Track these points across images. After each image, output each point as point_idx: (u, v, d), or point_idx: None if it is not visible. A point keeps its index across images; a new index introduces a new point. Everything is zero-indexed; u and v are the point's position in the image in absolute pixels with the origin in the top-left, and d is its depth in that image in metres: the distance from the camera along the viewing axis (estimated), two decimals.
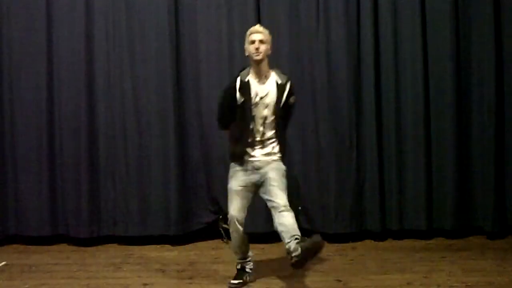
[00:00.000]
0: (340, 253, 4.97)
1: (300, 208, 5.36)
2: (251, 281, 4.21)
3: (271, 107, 4.00)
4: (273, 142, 4.05)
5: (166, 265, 4.71)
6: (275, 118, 4.02)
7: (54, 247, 5.33)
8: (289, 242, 3.76)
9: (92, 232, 5.33)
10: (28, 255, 5.12)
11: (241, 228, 4.04)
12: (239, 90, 3.97)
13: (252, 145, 4.01)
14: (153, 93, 5.35)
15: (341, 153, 5.28)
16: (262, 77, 4.00)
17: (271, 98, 4.00)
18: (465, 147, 5.28)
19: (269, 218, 5.27)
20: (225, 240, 5.34)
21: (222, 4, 5.34)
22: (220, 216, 5.37)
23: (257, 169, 4.01)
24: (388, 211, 5.30)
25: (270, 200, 3.96)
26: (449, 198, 5.24)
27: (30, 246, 5.33)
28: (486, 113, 5.22)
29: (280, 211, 3.89)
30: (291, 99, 4.08)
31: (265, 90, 4.00)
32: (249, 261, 4.24)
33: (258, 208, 5.28)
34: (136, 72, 5.36)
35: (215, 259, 4.86)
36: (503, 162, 5.23)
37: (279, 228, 3.87)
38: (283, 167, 4.07)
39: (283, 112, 4.07)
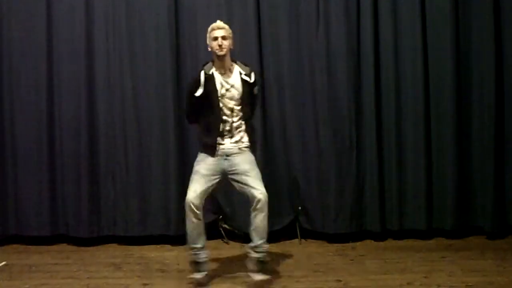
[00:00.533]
0: (340, 253, 4.97)
1: (300, 208, 5.37)
2: (208, 270, 4.22)
3: (237, 98, 4.12)
4: (241, 131, 4.16)
5: (166, 265, 4.71)
6: (241, 109, 4.14)
7: (54, 247, 5.33)
8: (252, 255, 4.14)
9: (92, 232, 5.33)
10: (28, 255, 5.12)
11: (198, 212, 4.06)
12: (205, 83, 4.07)
13: (222, 135, 4.12)
14: (153, 93, 5.35)
15: (341, 153, 5.28)
16: (226, 71, 4.12)
17: (237, 89, 4.12)
18: (465, 147, 5.29)
19: (269, 218, 5.28)
20: (225, 240, 5.35)
21: (222, 4, 5.34)
22: (220, 216, 5.38)
23: (227, 155, 4.12)
24: (388, 211, 5.30)
25: (250, 192, 4.08)
26: (449, 198, 5.24)
27: (30, 246, 5.33)
28: (486, 113, 5.22)
29: (256, 209, 4.07)
30: (255, 89, 4.22)
31: (230, 82, 4.12)
32: (202, 251, 4.18)
33: None
34: (136, 72, 5.36)
35: (215, 259, 4.85)
36: (503, 162, 5.23)
37: (250, 229, 4.14)
38: (252, 156, 4.20)
39: (249, 102, 4.20)
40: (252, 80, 4.18)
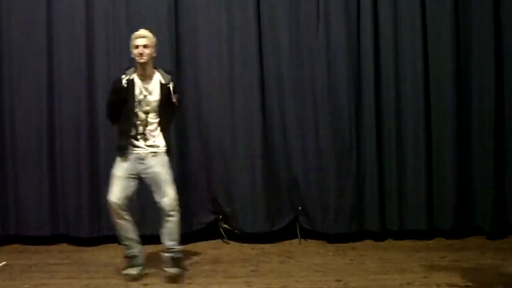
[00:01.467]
0: (340, 253, 4.97)
1: (300, 208, 5.37)
2: (143, 264, 4.37)
3: (154, 105, 4.25)
4: (156, 136, 4.28)
5: None
6: (157, 114, 4.27)
7: (54, 247, 5.33)
8: (165, 255, 4.28)
9: (92, 232, 5.33)
10: (28, 255, 5.12)
11: (124, 214, 4.24)
12: (124, 88, 4.21)
13: (136, 138, 4.25)
14: None
15: (341, 153, 5.28)
16: (146, 77, 4.26)
17: (155, 96, 4.26)
18: (465, 147, 5.28)
19: (269, 218, 5.33)
20: (225, 240, 5.35)
21: (222, 4, 5.34)
22: (220, 216, 5.38)
23: (141, 159, 4.25)
24: (388, 211, 5.30)
25: (159, 196, 4.23)
26: (449, 198, 5.24)
27: (30, 246, 5.33)
28: (486, 113, 5.22)
29: (166, 214, 4.22)
30: (174, 98, 4.33)
31: (149, 89, 4.26)
32: (134, 244, 4.34)
33: (258, 208, 5.30)
34: None
35: (215, 259, 4.86)
36: (503, 162, 5.23)
37: (162, 231, 4.27)
38: (166, 158, 4.29)
39: (167, 110, 4.32)
40: (171, 88, 4.29)
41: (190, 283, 4.26)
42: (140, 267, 4.35)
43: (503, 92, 5.23)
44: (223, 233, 5.36)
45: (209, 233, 5.41)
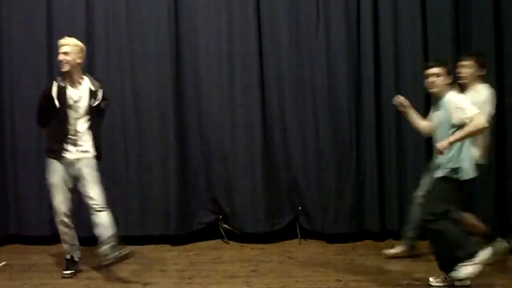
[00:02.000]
0: (340, 253, 4.98)
1: (300, 208, 5.37)
2: (80, 269, 4.53)
3: (83, 110, 4.36)
4: (86, 139, 4.39)
5: (166, 265, 4.71)
6: (87, 119, 4.38)
7: (54, 247, 5.31)
8: (103, 247, 4.29)
9: (92, 232, 5.32)
10: (28, 255, 5.12)
11: (67, 220, 4.39)
12: (55, 94, 4.31)
13: (67, 142, 4.34)
14: (153, 93, 5.35)
15: (341, 153, 5.28)
16: (75, 83, 4.37)
17: (84, 102, 4.36)
18: None
19: (269, 218, 5.33)
20: (225, 240, 5.35)
21: (222, 4, 5.34)
22: (220, 216, 5.38)
23: (71, 163, 4.35)
24: (388, 211, 5.30)
25: (87, 196, 4.35)
26: None
27: (30, 246, 5.33)
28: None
29: (96, 210, 4.34)
30: (102, 104, 4.45)
31: (79, 94, 4.36)
32: (76, 250, 4.54)
33: (258, 208, 5.30)
34: (136, 72, 5.36)
35: (215, 259, 4.86)
36: (504, 162, 5.22)
37: (96, 229, 4.35)
38: (94, 162, 4.41)
39: (96, 114, 4.42)
40: (99, 95, 4.39)
41: (190, 283, 4.26)
42: (73, 271, 4.47)
43: (503, 92, 5.22)
44: (223, 233, 5.36)
45: (209, 233, 5.41)
